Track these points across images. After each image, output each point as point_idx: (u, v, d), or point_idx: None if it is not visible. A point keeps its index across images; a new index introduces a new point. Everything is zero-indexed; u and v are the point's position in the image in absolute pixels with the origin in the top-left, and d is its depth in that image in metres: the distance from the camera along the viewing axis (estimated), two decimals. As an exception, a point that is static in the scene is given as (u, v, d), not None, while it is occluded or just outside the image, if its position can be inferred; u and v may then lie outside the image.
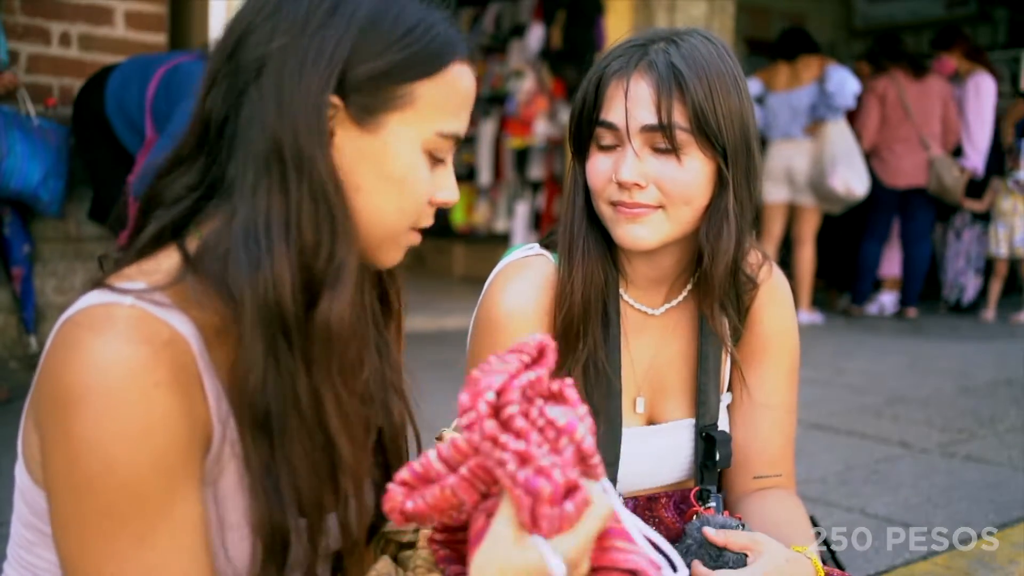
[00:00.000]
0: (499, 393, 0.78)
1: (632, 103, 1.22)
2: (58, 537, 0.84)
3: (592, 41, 6.26)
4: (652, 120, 1.21)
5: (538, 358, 0.83)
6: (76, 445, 0.80)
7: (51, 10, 3.88)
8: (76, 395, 0.81)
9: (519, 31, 7.00)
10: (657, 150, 1.23)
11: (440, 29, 0.94)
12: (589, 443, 0.78)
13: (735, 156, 1.25)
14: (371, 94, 0.91)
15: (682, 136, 1.21)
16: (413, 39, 0.92)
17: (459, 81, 0.96)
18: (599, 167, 1.27)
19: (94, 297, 0.86)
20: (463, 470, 0.81)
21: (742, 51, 8.41)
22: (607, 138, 1.26)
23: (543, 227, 6.98)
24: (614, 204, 1.26)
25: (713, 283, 1.30)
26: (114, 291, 0.85)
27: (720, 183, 1.26)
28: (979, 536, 2.41)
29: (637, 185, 1.22)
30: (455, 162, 1.03)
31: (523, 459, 0.76)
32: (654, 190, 1.23)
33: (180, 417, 0.84)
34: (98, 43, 3.99)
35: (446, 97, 0.95)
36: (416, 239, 1.00)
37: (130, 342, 0.82)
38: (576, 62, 6.25)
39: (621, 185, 1.23)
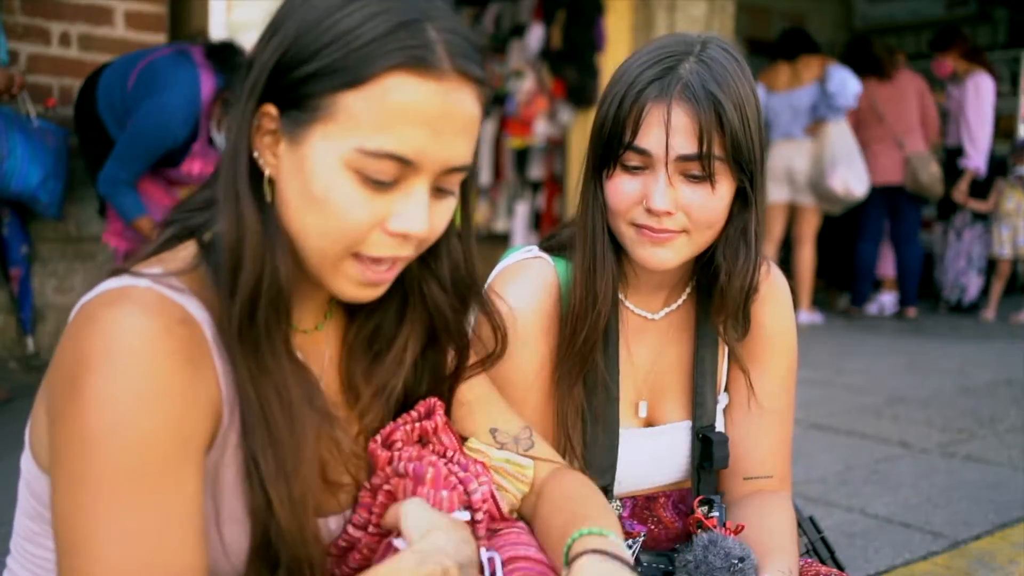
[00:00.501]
0: (386, 436, 1.02)
1: (673, 132, 1.19)
2: (65, 503, 0.81)
3: (592, 41, 6.26)
4: (692, 150, 1.18)
5: (426, 415, 1.05)
6: (89, 402, 0.79)
7: (51, 10, 3.88)
8: (90, 359, 0.80)
9: (519, 31, 7.00)
10: (690, 178, 1.20)
11: (375, 35, 0.85)
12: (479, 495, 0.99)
13: (759, 178, 1.24)
14: (299, 105, 0.87)
15: (717, 165, 1.20)
16: (338, 46, 0.85)
17: (391, 94, 0.85)
18: (625, 189, 1.23)
19: (111, 282, 0.87)
20: (370, 528, 0.98)
21: (742, 51, 8.39)
22: (636, 161, 1.22)
23: (543, 227, 6.98)
24: (637, 226, 1.24)
25: (728, 301, 1.29)
26: (130, 275, 0.87)
27: (740, 202, 1.25)
28: (979, 536, 2.41)
29: (668, 213, 1.21)
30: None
31: (416, 458, 0.98)
32: (682, 216, 1.22)
33: (194, 389, 0.84)
34: (98, 43, 3.99)
35: (371, 110, 0.85)
36: (374, 274, 0.92)
37: (144, 315, 0.82)
38: (576, 62, 6.25)
39: (650, 211, 1.21)
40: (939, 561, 2.24)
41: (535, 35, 6.70)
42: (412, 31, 0.86)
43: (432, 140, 0.87)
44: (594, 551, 0.94)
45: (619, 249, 1.30)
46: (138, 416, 0.80)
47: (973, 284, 7.09)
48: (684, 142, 1.18)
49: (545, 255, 1.36)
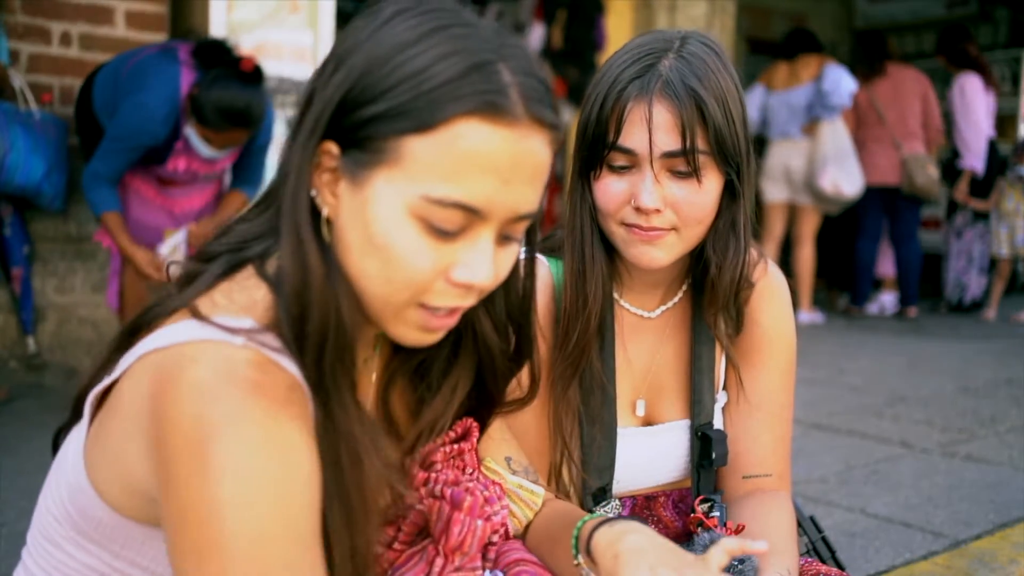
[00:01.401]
0: (425, 456, 1.00)
1: (655, 130, 1.19)
2: (196, 571, 0.76)
3: (593, 41, 6.26)
4: (675, 147, 1.19)
5: (463, 436, 1.03)
6: (217, 473, 0.75)
7: (51, 10, 3.88)
8: (211, 429, 0.75)
9: (519, 31, 7.00)
10: (676, 174, 1.21)
11: (448, 77, 0.80)
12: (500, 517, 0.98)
13: (745, 171, 1.25)
14: (362, 146, 0.83)
15: (702, 159, 1.20)
16: (406, 88, 0.81)
17: (462, 140, 0.80)
18: (613, 189, 1.24)
19: (195, 329, 0.81)
20: (396, 544, 0.97)
21: (743, 51, 8.40)
22: (621, 161, 1.22)
23: (543, 227, 6.97)
24: (627, 225, 1.24)
25: (718, 293, 1.30)
26: (219, 327, 0.81)
27: (728, 196, 1.26)
28: (979, 536, 2.41)
29: (656, 210, 1.21)
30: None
31: (454, 482, 0.96)
32: (670, 213, 1.22)
33: (311, 450, 0.81)
34: (98, 43, 3.99)
35: (439, 157, 0.80)
36: (437, 321, 0.88)
37: (259, 392, 0.78)
38: (577, 61, 6.25)
39: (639, 210, 1.21)
40: (939, 561, 2.24)
41: (536, 35, 6.70)
42: (486, 74, 0.82)
43: (501, 189, 0.83)
44: (603, 523, 0.98)
45: (612, 248, 1.30)
46: (272, 486, 0.76)
47: (975, 283, 7.09)
48: (667, 139, 1.19)
49: (540, 256, 1.36)
